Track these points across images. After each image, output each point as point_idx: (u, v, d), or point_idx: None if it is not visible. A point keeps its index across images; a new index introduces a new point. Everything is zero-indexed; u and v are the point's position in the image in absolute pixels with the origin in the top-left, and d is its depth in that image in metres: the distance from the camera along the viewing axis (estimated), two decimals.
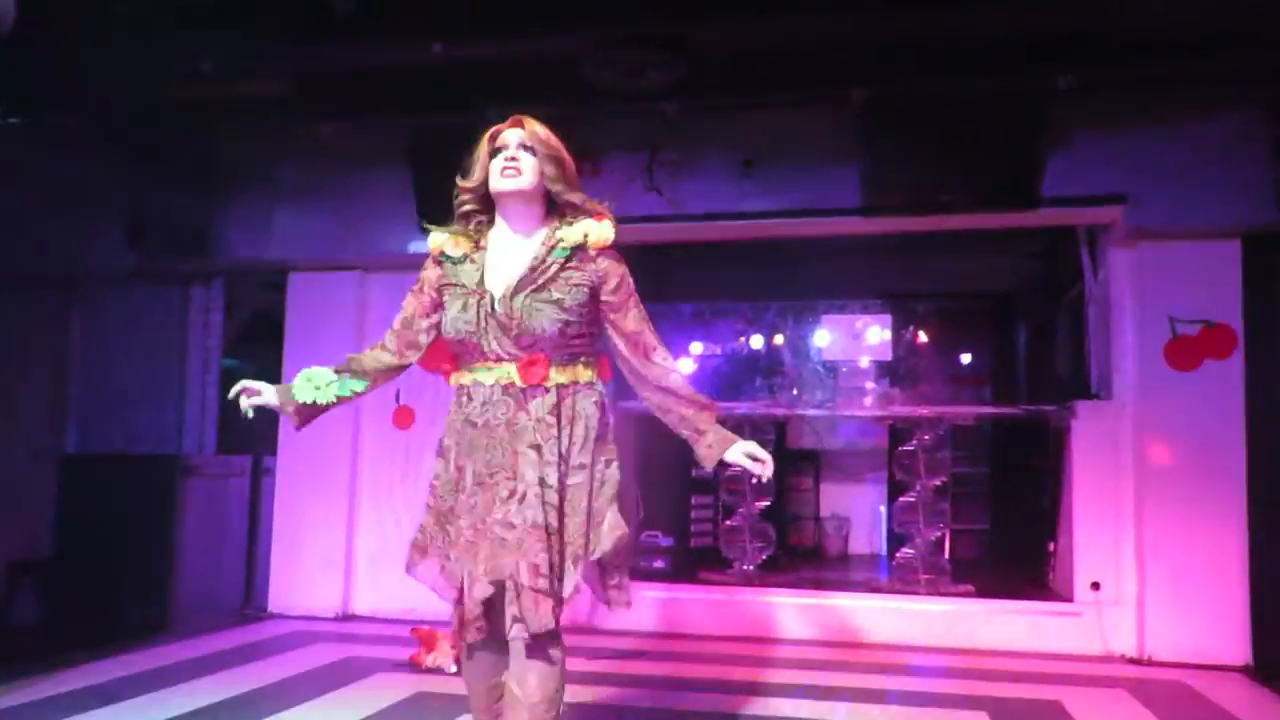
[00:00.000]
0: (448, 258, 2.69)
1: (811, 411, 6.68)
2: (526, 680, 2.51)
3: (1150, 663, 4.96)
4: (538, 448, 2.53)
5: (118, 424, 6.41)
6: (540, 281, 2.57)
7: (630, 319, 2.66)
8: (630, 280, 2.68)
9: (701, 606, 5.65)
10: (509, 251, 2.65)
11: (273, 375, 6.07)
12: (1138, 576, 5.11)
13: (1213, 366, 5.05)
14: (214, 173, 6.08)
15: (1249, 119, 4.95)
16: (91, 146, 5.61)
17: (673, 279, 7.67)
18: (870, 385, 6.76)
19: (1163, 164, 5.04)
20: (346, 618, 5.88)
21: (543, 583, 2.45)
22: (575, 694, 3.79)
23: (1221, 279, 5.08)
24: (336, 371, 2.74)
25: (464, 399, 2.65)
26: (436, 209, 5.50)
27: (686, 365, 8.08)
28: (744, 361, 8.00)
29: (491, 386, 2.59)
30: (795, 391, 7.02)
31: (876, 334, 7.24)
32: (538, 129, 2.66)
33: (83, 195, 6.03)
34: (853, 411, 6.77)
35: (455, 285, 2.64)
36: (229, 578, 6.13)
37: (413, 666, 4.59)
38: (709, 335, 8.29)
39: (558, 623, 2.51)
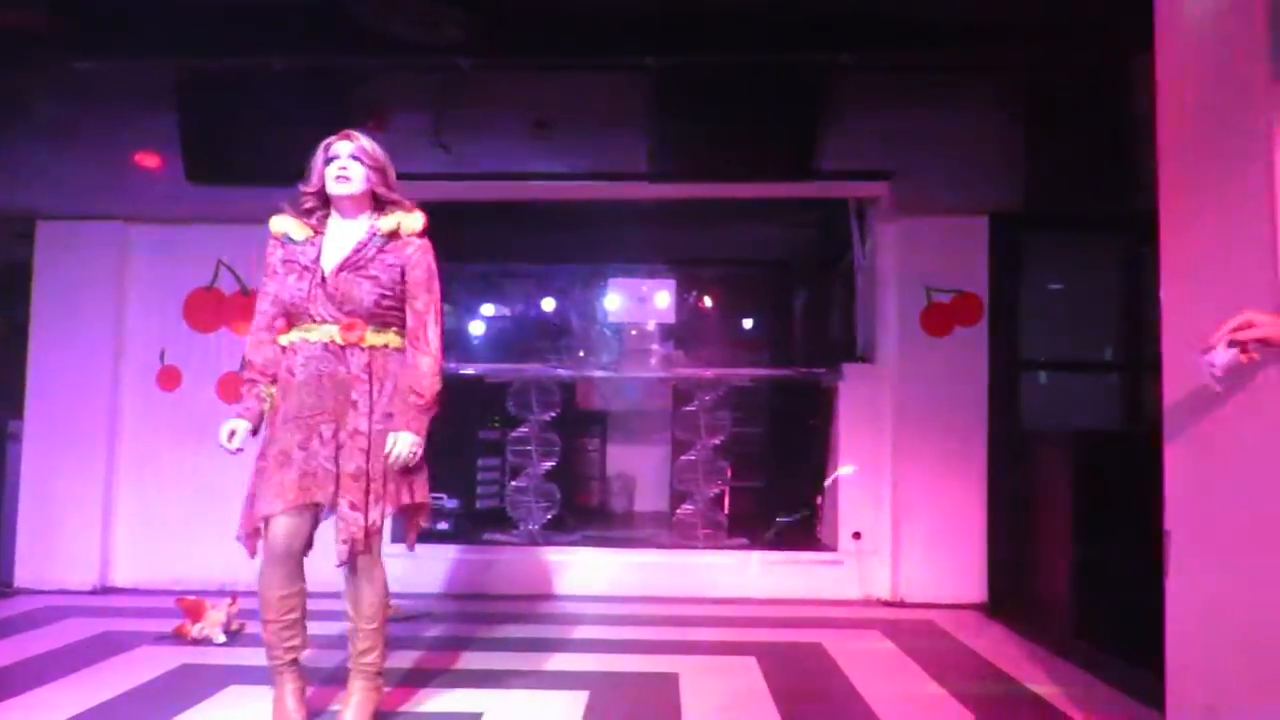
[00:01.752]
0: (291, 240, 3.20)
1: (598, 373, 6.79)
2: (360, 599, 3.17)
3: (902, 604, 5.40)
4: (355, 403, 3.09)
5: None
6: (361, 261, 3.15)
7: (420, 302, 3.22)
8: (434, 269, 3.25)
9: (486, 567, 5.68)
10: (340, 238, 3.22)
11: (19, 330, 5.66)
12: (893, 526, 5.52)
13: (962, 333, 5.50)
14: None
15: (1001, 107, 5.39)
16: None
17: (463, 239, 7.57)
18: (655, 348, 6.93)
19: (925, 145, 5.44)
20: (104, 590, 5.53)
21: (360, 516, 3.05)
22: None
23: (972, 253, 5.52)
24: (263, 376, 3.20)
25: (291, 354, 3.14)
26: (206, 158, 5.32)
27: (476, 327, 8.03)
28: (533, 324, 8.03)
29: (315, 343, 3.11)
30: (582, 354, 7.10)
31: (662, 298, 7.42)
32: (364, 142, 3.22)
33: None
34: (638, 373, 6.93)
35: (293, 262, 3.17)
36: None
37: (178, 638, 4.38)
38: (499, 297, 8.25)
39: (376, 548, 3.14)
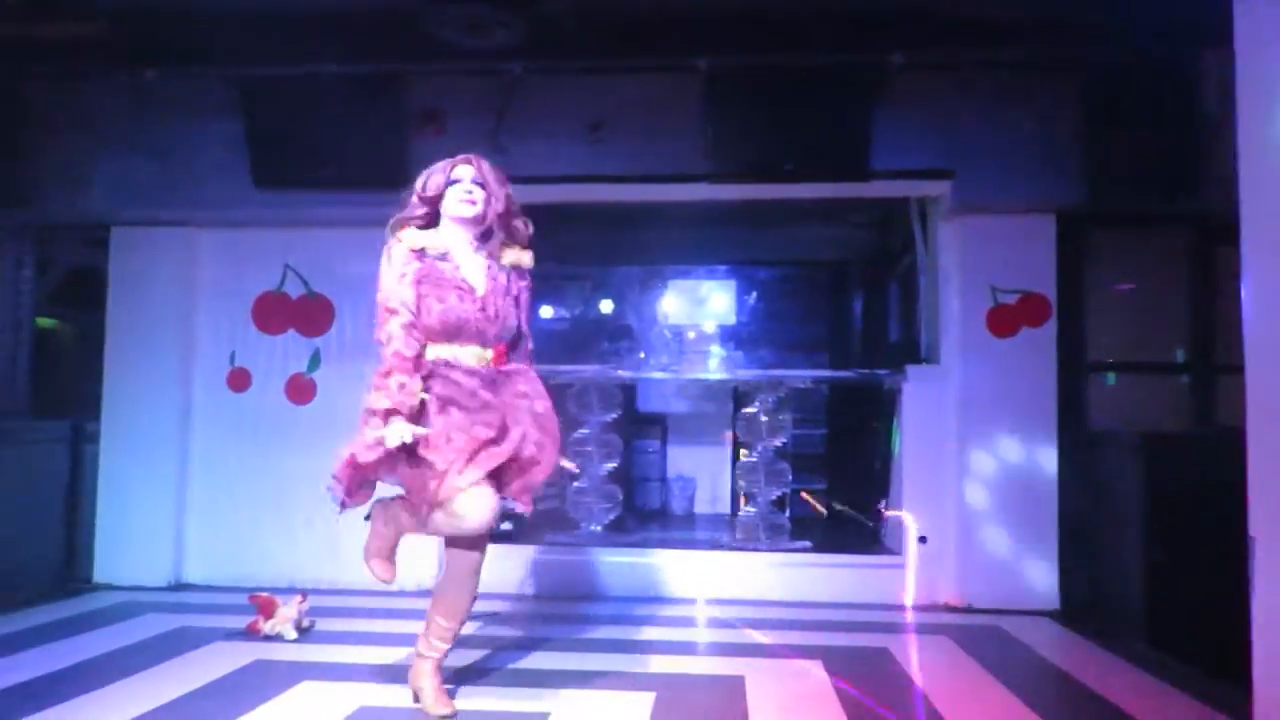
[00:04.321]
0: (427, 255, 3.26)
1: (657, 375, 6.77)
2: None
3: (970, 610, 5.30)
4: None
5: None
6: (508, 289, 3.37)
7: (522, 323, 3.47)
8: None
9: (548, 567, 5.69)
10: (469, 261, 3.33)
11: (95, 334, 5.82)
12: (959, 530, 5.44)
13: (1029, 333, 5.40)
14: (25, 118, 5.66)
15: (1063, 104, 5.28)
16: None
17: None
18: (715, 349, 6.90)
19: (986, 142, 5.34)
20: (178, 587, 5.65)
21: None
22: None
23: (1038, 252, 5.42)
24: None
25: (447, 369, 3.23)
26: (271, 164, 5.41)
27: (536, 329, 8.08)
28: (591, 325, 8.04)
29: (478, 365, 3.27)
30: (642, 355, 7.10)
31: (721, 300, 7.40)
32: (485, 166, 3.37)
33: None
34: (697, 375, 6.90)
35: (439, 278, 3.24)
36: (46, 549, 5.74)
37: (250, 634, 4.45)
38: (557, 299, 8.29)
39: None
